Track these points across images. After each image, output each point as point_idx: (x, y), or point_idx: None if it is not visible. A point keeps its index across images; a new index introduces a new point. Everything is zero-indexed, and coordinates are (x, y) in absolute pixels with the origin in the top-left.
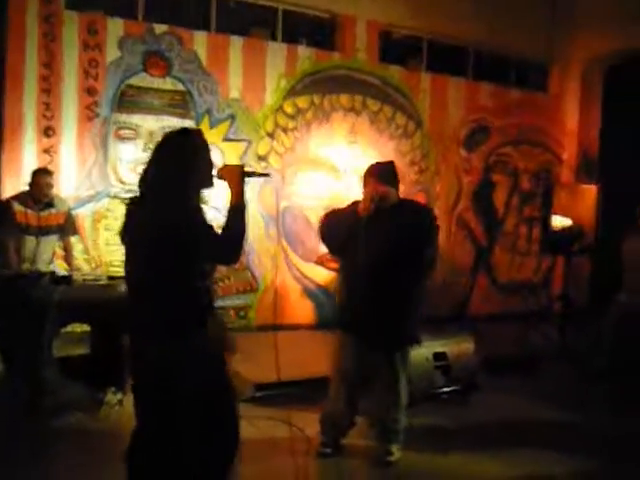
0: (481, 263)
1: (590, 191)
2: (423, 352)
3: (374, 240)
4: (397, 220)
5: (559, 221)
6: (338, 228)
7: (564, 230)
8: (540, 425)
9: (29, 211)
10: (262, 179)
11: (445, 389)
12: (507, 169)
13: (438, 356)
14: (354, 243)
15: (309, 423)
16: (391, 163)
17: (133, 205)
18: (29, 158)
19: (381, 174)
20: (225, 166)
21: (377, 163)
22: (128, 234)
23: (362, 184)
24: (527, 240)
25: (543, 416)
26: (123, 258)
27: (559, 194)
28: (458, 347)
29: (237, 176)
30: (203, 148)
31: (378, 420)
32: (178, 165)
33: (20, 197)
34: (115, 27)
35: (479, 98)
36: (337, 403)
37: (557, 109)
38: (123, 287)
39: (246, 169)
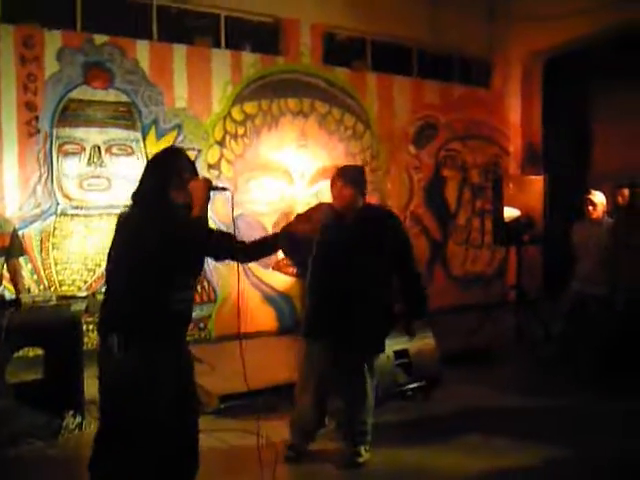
0: (436, 257)
1: (537, 182)
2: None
3: (344, 245)
4: (365, 226)
5: (509, 212)
6: (302, 233)
7: (514, 221)
8: (502, 413)
9: None
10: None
11: (408, 386)
12: (456, 164)
13: (399, 354)
14: (322, 250)
15: (276, 431)
16: (361, 167)
17: (124, 213)
18: None
19: (349, 176)
20: (193, 179)
21: (346, 165)
22: (117, 238)
23: (331, 184)
24: (480, 232)
25: (504, 404)
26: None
27: (507, 186)
28: (418, 343)
29: (204, 190)
30: (181, 162)
31: (344, 422)
32: (156, 179)
33: None
34: (53, 39)
35: (425, 96)
36: (305, 409)
37: (500, 104)
38: (74, 307)
39: (212, 184)
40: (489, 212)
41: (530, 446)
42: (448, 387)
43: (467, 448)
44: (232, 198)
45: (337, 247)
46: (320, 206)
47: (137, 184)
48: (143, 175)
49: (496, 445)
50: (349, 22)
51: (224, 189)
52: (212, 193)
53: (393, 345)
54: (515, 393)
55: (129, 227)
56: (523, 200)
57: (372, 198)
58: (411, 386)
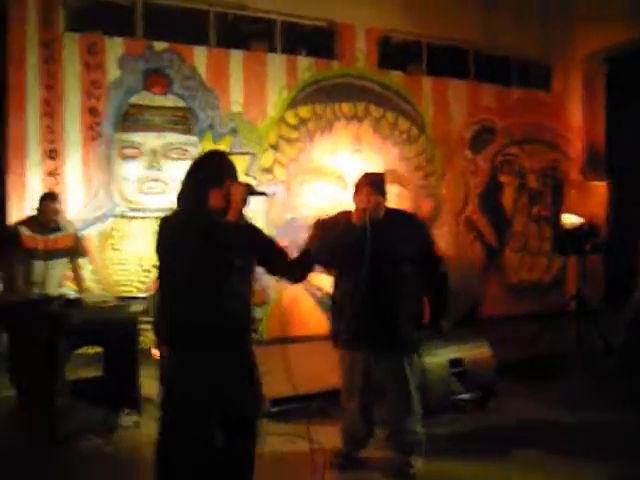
0: (491, 264)
1: (600, 188)
2: (438, 359)
3: (375, 251)
4: (395, 231)
5: (569, 220)
6: (330, 240)
7: (575, 229)
8: (561, 428)
9: (37, 235)
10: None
11: (462, 396)
12: (514, 169)
13: (454, 362)
14: (351, 255)
15: (327, 436)
16: (383, 175)
17: (167, 218)
18: (34, 181)
19: (375, 184)
20: (232, 183)
21: (370, 173)
22: (161, 244)
23: (354, 193)
24: (538, 239)
25: (563, 419)
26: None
27: (568, 192)
28: (474, 352)
29: (242, 194)
30: (221, 166)
31: (393, 432)
32: (196, 182)
33: (27, 222)
34: (115, 46)
35: (482, 99)
36: (352, 417)
37: (561, 106)
38: (133, 307)
39: (252, 188)
40: (547, 219)
41: (591, 464)
42: (504, 399)
43: (524, 464)
44: (270, 201)
45: (362, 253)
46: (343, 214)
47: (180, 187)
48: (185, 178)
49: (554, 462)
50: (404, 26)
51: (263, 194)
52: (250, 198)
53: (448, 353)
54: (574, 407)
55: (171, 232)
56: (585, 207)
57: (426, 203)
58: (465, 396)
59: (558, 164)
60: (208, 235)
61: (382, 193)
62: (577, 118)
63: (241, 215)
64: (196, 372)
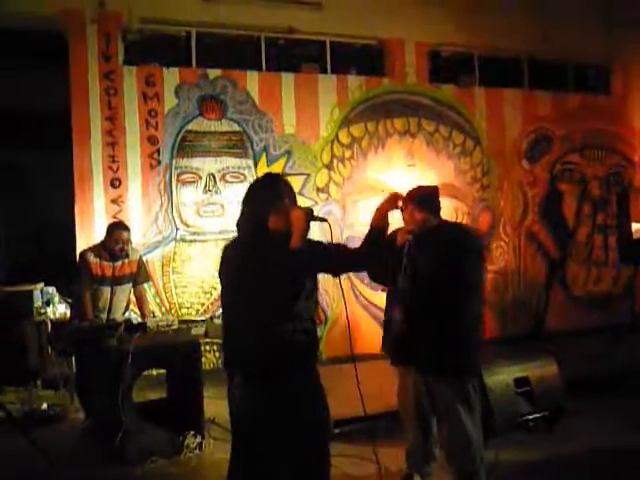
0: (555, 277)
1: None
2: (503, 378)
3: (416, 268)
4: (435, 246)
5: (637, 228)
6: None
7: None
8: (637, 453)
9: (104, 262)
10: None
11: (530, 417)
12: (574, 177)
13: (519, 381)
14: (394, 272)
15: (392, 458)
16: (433, 188)
17: (229, 245)
18: (99, 209)
19: (420, 200)
20: (294, 208)
21: (418, 187)
22: (224, 272)
23: (402, 208)
24: (603, 249)
25: (636, 443)
26: (218, 296)
27: (635, 199)
28: (540, 370)
29: (303, 220)
30: (280, 190)
31: (453, 457)
32: (256, 207)
33: (94, 249)
34: (171, 76)
35: (537, 107)
36: (412, 436)
37: (622, 110)
38: (194, 330)
39: (313, 214)
40: (612, 227)
41: None
42: (574, 419)
43: None
44: (330, 229)
45: (413, 270)
46: (394, 232)
47: (240, 212)
48: (244, 202)
49: None
50: (454, 38)
51: (323, 220)
52: (311, 223)
53: (513, 372)
54: None
55: (234, 258)
56: None
57: (484, 216)
58: (533, 417)
59: (622, 170)
60: (274, 260)
61: (429, 208)
62: None
63: (305, 241)
64: (271, 401)
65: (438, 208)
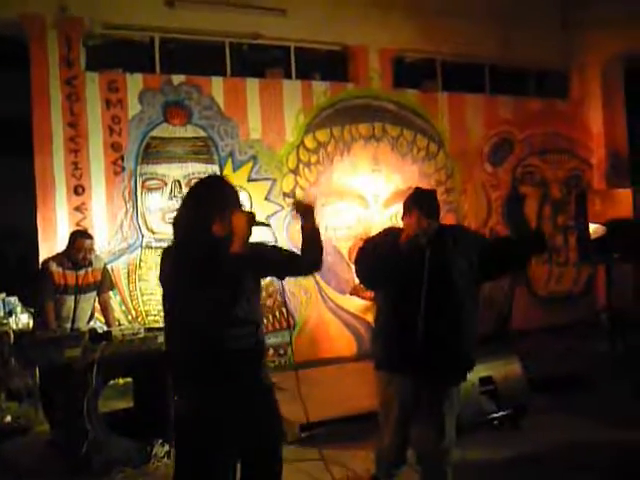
0: (519, 277)
1: (625, 195)
2: (468, 378)
3: (432, 274)
4: (442, 248)
5: (595, 229)
6: (379, 262)
7: (601, 237)
8: (601, 447)
9: (67, 271)
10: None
11: (494, 415)
12: (535, 180)
13: (484, 381)
14: (399, 276)
15: (359, 462)
16: (434, 192)
17: (167, 249)
18: (62, 217)
19: (427, 206)
20: (235, 212)
21: (421, 192)
22: (163, 276)
23: (404, 212)
24: (564, 250)
25: (602, 436)
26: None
27: (593, 201)
28: (504, 369)
29: (246, 224)
30: (224, 193)
31: (425, 456)
32: (198, 210)
33: (57, 258)
34: (135, 82)
35: (499, 112)
36: (389, 441)
37: (580, 114)
38: (162, 338)
39: (255, 219)
40: (572, 228)
41: None
42: (537, 416)
43: None
44: (274, 233)
45: (412, 272)
46: (389, 233)
47: (176, 215)
48: (186, 204)
49: None
50: (417, 44)
51: (266, 225)
52: (254, 228)
53: (477, 371)
54: (611, 424)
55: (171, 262)
56: (610, 215)
57: (449, 218)
58: (498, 415)
59: (581, 173)
60: (216, 263)
61: (434, 214)
62: (597, 125)
63: (246, 245)
64: (215, 406)
65: (439, 212)
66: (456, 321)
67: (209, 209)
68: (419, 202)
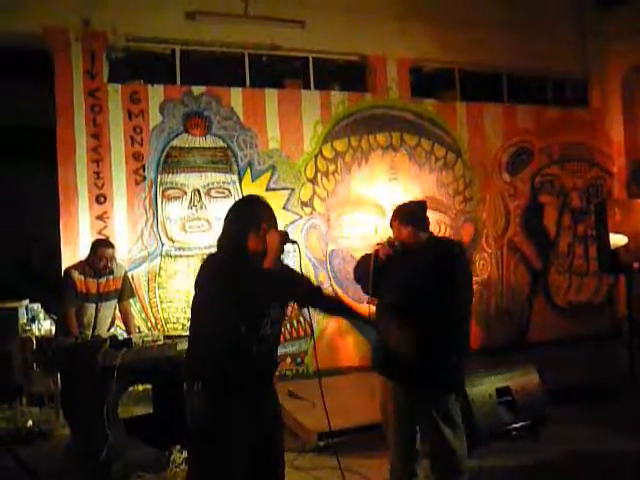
0: (537, 287)
1: None
2: (485, 388)
3: (398, 282)
4: (419, 262)
5: (615, 239)
6: (364, 273)
7: (621, 247)
8: (620, 458)
9: (88, 279)
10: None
11: (512, 425)
12: (555, 189)
13: (501, 391)
14: (387, 285)
15: (376, 470)
16: (419, 203)
17: (209, 257)
18: (84, 225)
19: (403, 215)
20: (269, 230)
21: (403, 205)
22: (199, 281)
23: (390, 225)
24: (584, 259)
25: (622, 448)
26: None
27: (612, 210)
28: (522, 380)
29: (279, 242)
30: (260, 211)
31: (433, 470)
32: (236, 227)
33: (79, 266)
34: (156, 93)
35: (517, 121)
36: (394, 452)
37: (600, 122)
38: (180, 345)
39: (288, 236)
40: (592, 238)
41: None
42: (556, 427)
43: None
44: (299, 250)
45: (399, 283)
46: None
47: (221, 230)
48: (225, 222)
49: None
50: (435, 54)
51: (294, 242)
52: (286, 245)
53: (495, 382)
54: (632, 435)
55: (208, 273)
56: (631, 225)
57: (467, 227)
58: (516, 425)
59: (601, 181)
60: (244, 281)
61: (414, 223)
62: (618, 134)
63: (278, 262)
64: (230, 412)
65: (426, 223)
66: (429, 330)
67: (244, 226)
68: (397, 213)
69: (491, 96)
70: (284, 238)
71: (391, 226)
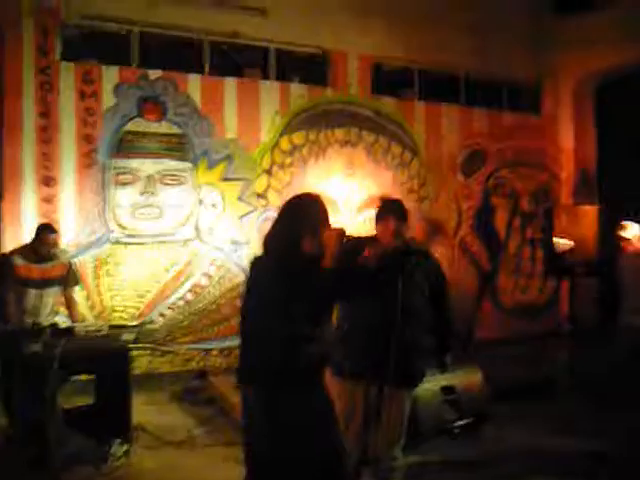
0: (486, 287)
1: (590, 212)
2: (430, 386)
3: (383, 280)
4: (405, 260)
5: (561, 243)
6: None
7: (566, 252)
8: (556, 455)
9: (31, 264)
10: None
11: (456, 423)
12: (506, 192)
13: (446, 390)
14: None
15: None
16: (401, 201)
17: (258, 259)
18: (29, 207)
19: (402, 213)
20: (328, 230)
21: (390, 200)
22: (253, 285)
23: (377, 221)
24: (531, 261)
25: (558, 445)
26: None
27: (559, 216)
28: (466, 379)
29: (337, 240)
30: (318, 214)
31: (374, 458)
32: (290, 228)
33: (21, 250)
34: (110, 75)
35: (473, 123)
36: (351, 447)
37: (551, 129)
38: (125, 336)
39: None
40: (540, 240)
41: None
42: (499, 424)
43: None
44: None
45: (395, 286)
46: (365, 241)
47: (270, 229)
48: (277, 221)
49: None
50: (396, 52)
51: (349, 238)
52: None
53: (440, 381)
54: (571, 433)
55: (264, 274)
56: (575, 230)
57: (419, 227)
58: (459, 423)
59: (550, 186)
60: (303, 280)
61: (406, 219)
62: (568, 140)
63: (337, 261)
64: (286, 413)
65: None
66: (406, 333)
67: (299, 227)
68: (393, 208)
69: (449, 97)
70: (341, 236)
71: (382, 221)
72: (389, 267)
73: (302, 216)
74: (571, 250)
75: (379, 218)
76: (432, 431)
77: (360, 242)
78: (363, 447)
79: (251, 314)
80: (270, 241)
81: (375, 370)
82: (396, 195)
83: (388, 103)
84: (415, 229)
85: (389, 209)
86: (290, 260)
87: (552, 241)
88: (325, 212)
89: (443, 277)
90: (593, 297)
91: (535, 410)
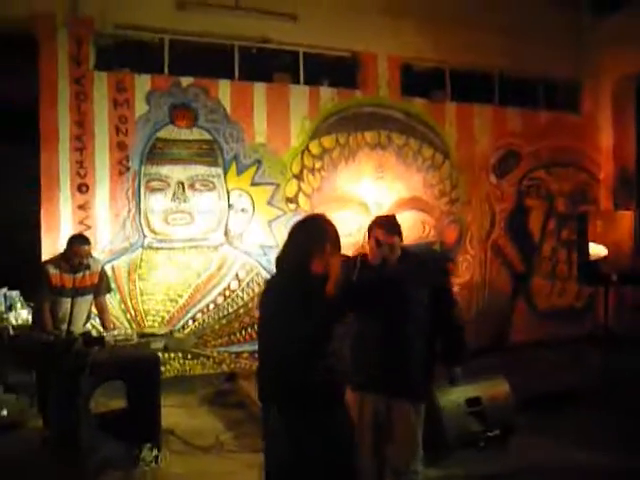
0: (520, 290)
1: (626, 217)
2: (455, 398)
3: (391, 295)
4: (410, 274)
5: (595, 250)
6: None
7: (600, 259)
8: (585, 471)
9: (64, 274)
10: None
11: (481, 435)
12: (541, 193)
13: (471, 401)
14: (367, 298)
15: None
16: (394, 216)
17: (271, 279)
18: (65, 214)
19: (388, 225)
20: (333, 254)
21: (380, 216)
22: (264, 307)
23: (368, 235)
24: (567, 264)
25: (587, 460)
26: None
27: (594, 222)
28: (492, 390)
29: (340, 266)
30: (325, 234)
31: (394, 472)
32: (300, 248)
33: (55, 260)
34: (142, 83)
35: (507, 123)
36: (364, 461)
37: (590, 128)
38: (153, 345)
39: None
40: (574, 244)
41: None
42: (526, 436)
43: None
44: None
45: (378, 294)
46: (355, 255)
47: (282, 249)
48: (289, 241)
49: None
50: (426, 53)
51: (356, 266)
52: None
53: (465, 392)
54: (603, 447)
55: (274, 295)
56: (612, 236)
57: (452, 229)
58: (484, 435)
59: (587, 187)
60: (311, 302)
61: (397, 233)
62: (607, 140)
63: (339, 287)
64: (305, 433)
65: (402, 235)
66: (406, 344)
67: (307, 248)
68: (380, 222)
69: (482, 97)
70: (344, 262)
71: (370, 235)
72: (379, 280)
73: (312, 236)
74: (605, 257)
75: (369, 233)
76: (457, 443)
77: (348, 261)
78: (378, 462)
79: (266, 333)
80: (282, 261)
81: (377, 383)
82: (427, 197)
83: (419, 104)
84: (444, 232)
85: (374, 223)
86: (302, 279)
87: (586, 247)
88: (335, 232)
89: (445, 283)
90: (628, 305)
91: (564, 420)
